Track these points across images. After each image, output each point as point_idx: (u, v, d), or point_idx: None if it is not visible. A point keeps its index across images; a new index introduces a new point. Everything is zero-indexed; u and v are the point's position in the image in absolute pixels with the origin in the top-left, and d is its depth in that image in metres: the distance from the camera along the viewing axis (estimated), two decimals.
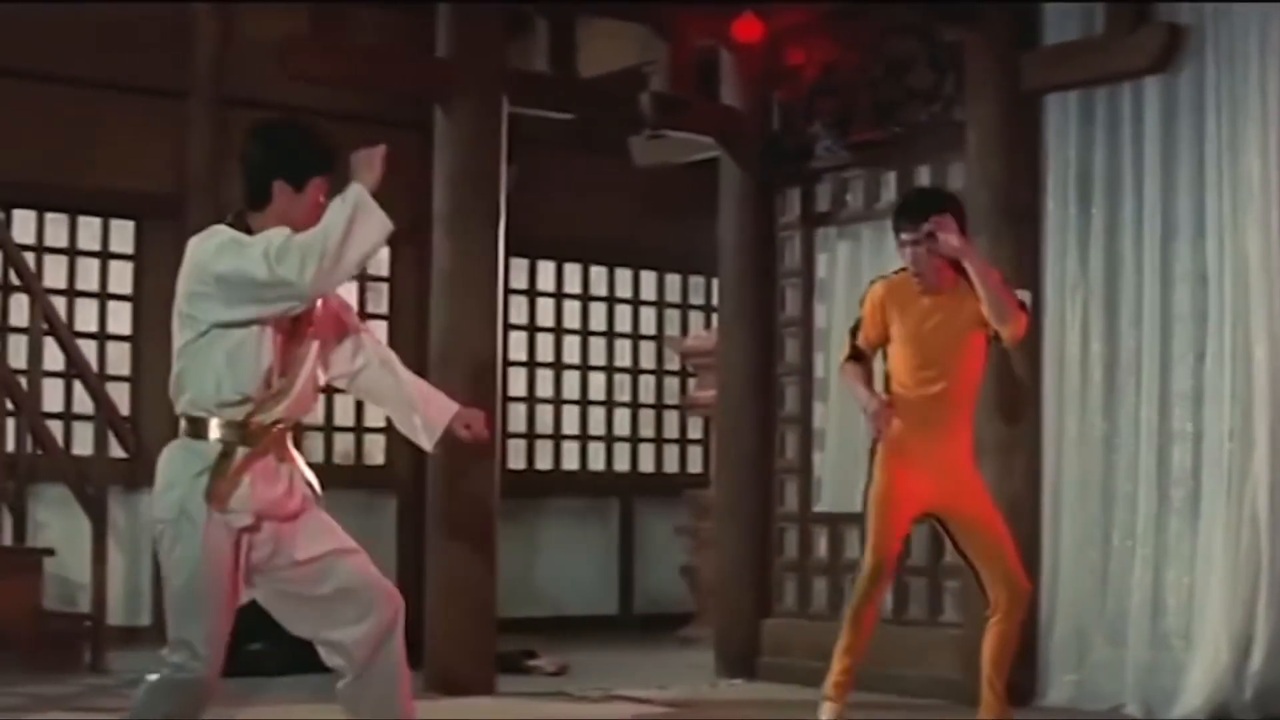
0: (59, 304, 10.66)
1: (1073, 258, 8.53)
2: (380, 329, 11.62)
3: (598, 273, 13.58)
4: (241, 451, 4.77)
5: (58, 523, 10.25)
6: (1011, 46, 8.68)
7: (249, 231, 4.78)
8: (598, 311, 13.59)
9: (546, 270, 13.31)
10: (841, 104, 9.54)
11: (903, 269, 6.88)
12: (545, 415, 13.28)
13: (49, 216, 11.19)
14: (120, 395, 10.89)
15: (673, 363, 13.57)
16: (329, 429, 12.13)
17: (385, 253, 11.66)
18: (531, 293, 13.23)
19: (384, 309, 12.19)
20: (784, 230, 9.85)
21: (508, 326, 11.81)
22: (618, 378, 13.64)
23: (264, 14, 10.47)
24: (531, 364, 13.18)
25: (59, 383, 10.81)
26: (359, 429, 12.24)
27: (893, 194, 9.15)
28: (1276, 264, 7.74)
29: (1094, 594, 8.34)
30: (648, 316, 13.84)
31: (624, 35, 9.91)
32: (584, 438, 13.45)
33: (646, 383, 13.79)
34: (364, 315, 11.26)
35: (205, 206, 11.26)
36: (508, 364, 11.93)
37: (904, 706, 8.49)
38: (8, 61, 10.63)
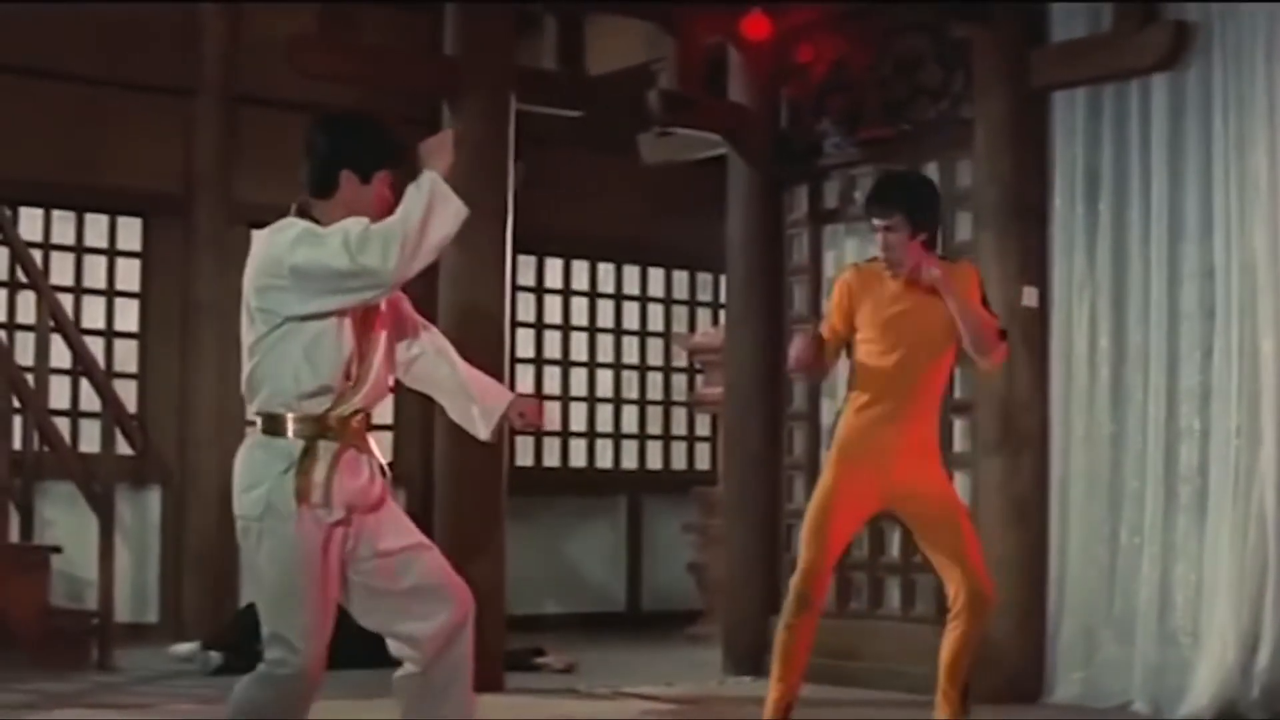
0: (66, 301, 10.66)
1: (1080, 255, 8.53)
2: None
3: (605, 270, 13.58)
4: (324, 445, 4.72)
5: (65, 520, 10.27)
6: (1020, 44, 8.68)
7: (316, 223, 4.76)
8: (605, 308, 13.59)
9: (554, 267, 13.31)
10: (850, 101, 9.54)
11: (875, 258, 6.64)
12: (553, 412, 13.28)
13: (56, 213, 11.19)
14: (127, 392, 10.89)
15: (680, 360, 13.56)
16: None
17: None
18: (539, 290, 13.23)
19: None
20: (792, 227, 9.85)
21: (515, 324, 11.82)
22: (625, 375, 13.64)
23: (272, 12, 10.48)
24: (539, 361, 13.18)
25: (66, 380, 10.82)
26: None
27: None
28: None
29: (1101, 591, 8.34)
30: (655, 313, 13.84)
31: (632, 33, 9.90)
32: (591, 435, 13.45)
33: (654, 380, 13.79)
34: None
35: (213, 204, 11.32)
36: (515, 361, 11.94)
37: (912, 704, 8.48)
38: (16, 59, 10.65)
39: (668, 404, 13.80)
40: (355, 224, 4.65)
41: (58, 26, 10.77)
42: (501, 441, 8.95)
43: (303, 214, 4.81)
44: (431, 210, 4.62)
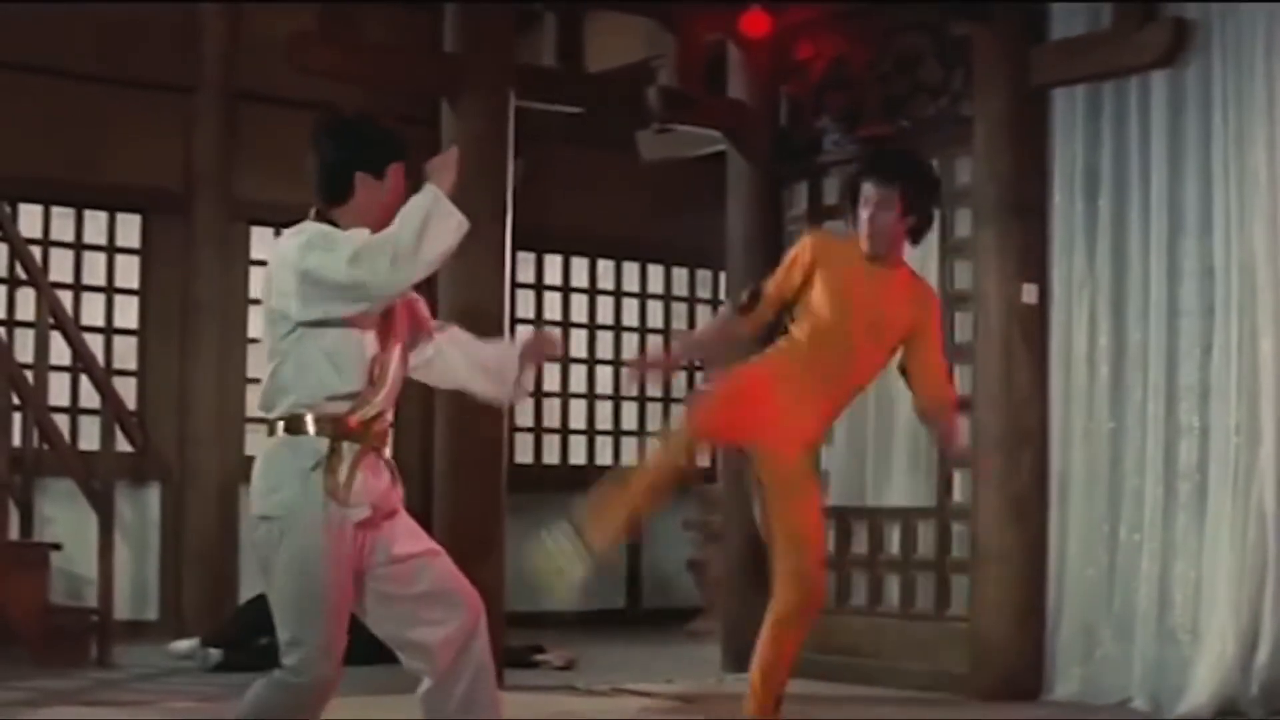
0: (65, 298, 10.67)
1: (1080, 252, 8.53)
2: None
3: (605, 267, 13.59)
4: (348, 446, 4.70)
5: (64, 517, 10.27)
6: (1019, 42, 8.67)
7: (335, 225, 4.76)
8: (605, 306, 13.60)
9: (554, 264, 13.32)
10: (850, 99, 9.55)
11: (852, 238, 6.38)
12: (552, 409, 13.29)
13: (56, 210, 11.20)
14: (127, 389, 10.89)
15: None
16: None
17: None
18: (539, 287, 13.23)
19: None
20: (791, 224, 9.84)
21: (515, 321, 11.81)
22: (625, 372, 13.63)
23: (272, 9, 10.48)
24: None
25: (65, 377, 10.83)
26: None
27: None
28: None
29: (1101, 588, 8.34)
30: (655, 310, 13.84)
31: (632, 30, 9.91)
32: (591, 432, 13.45)
33: (654, 377, 13.77)
34: None
35: (212, 201, 11.32)
36: None
37: (911, 701, 8.49)
38: (15, 56, 10.65)
39: (667, 401, 13.80)
40: (359, 235, 4.67)
41: (58, 24, 10.77)
42: (501, 439, 8.97)
43: (321, 217, 4.81)
44: (428, 224, 4.63)
